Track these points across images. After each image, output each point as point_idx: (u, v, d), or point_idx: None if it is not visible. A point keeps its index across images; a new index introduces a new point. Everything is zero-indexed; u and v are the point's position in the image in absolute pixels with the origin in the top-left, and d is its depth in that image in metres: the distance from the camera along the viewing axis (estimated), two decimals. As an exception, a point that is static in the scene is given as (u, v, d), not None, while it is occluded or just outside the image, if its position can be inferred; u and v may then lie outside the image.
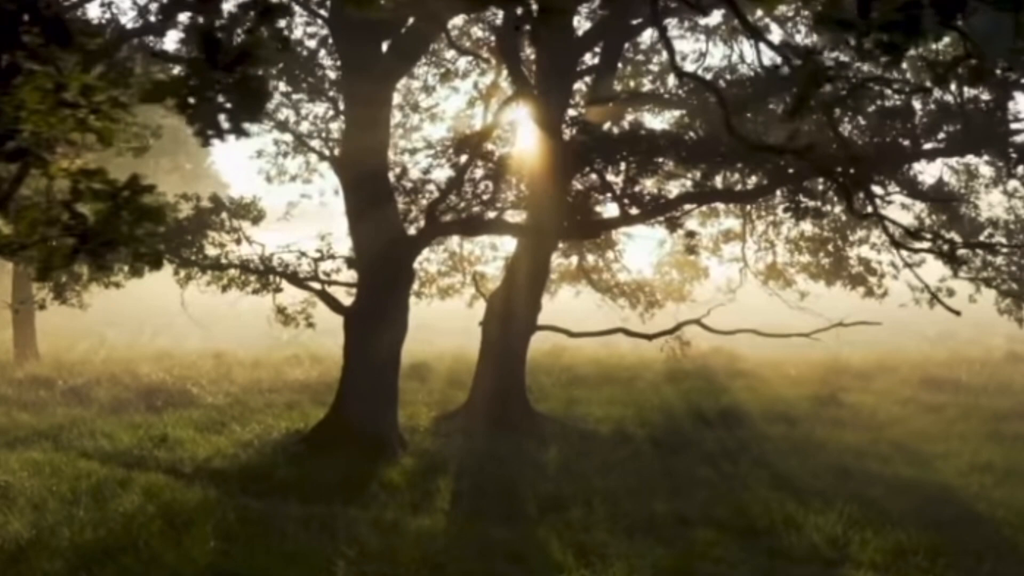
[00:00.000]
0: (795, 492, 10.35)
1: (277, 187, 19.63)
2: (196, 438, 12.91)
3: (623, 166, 10.88)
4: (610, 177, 11.16)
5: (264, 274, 13.22)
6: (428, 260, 20.42)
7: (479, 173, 13.08)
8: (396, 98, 19.13)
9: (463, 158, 11.99)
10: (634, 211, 11.13)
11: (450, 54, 18.87)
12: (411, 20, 11.33)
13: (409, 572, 7.51)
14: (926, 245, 12.08)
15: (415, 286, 20.37)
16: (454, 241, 19.69)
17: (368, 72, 11.80)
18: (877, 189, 11.22)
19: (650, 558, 8.02)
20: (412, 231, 12.85)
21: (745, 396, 17.24)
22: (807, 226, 18.04)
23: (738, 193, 12.43)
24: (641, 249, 21.88)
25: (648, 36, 17.96)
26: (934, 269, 17.07)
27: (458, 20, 17.95)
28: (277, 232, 16.87)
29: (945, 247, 11.84)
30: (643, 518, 9.38)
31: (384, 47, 12.00)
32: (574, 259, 20.39)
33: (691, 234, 12.43)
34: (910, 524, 9.22)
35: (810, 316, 18.99)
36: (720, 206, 18.03)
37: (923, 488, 10.75)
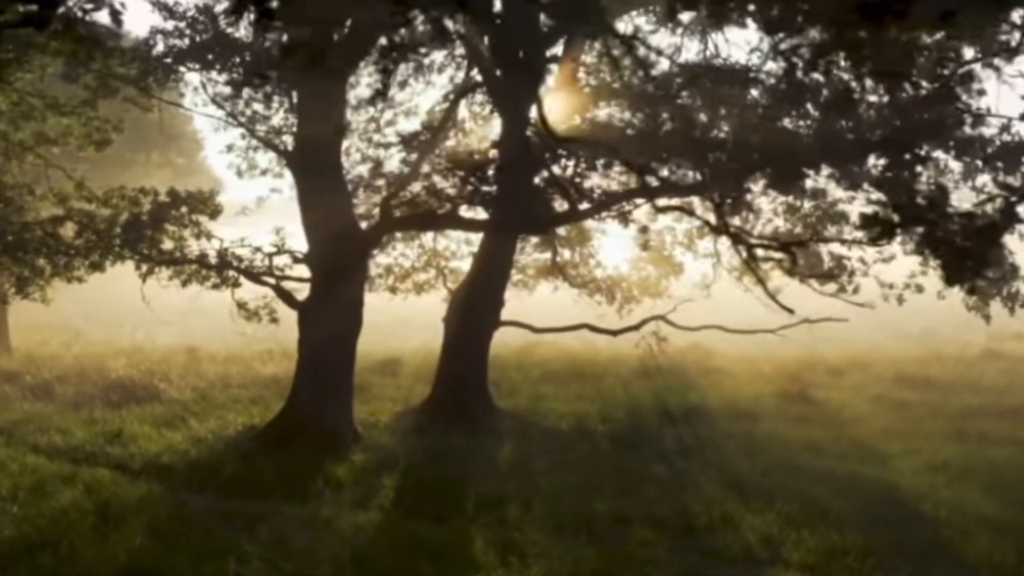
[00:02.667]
0: (741, 490, 10.27)
1: (248, 181, 19.57)
2: (151, 434, 12.86)
3: (571, 161, 10.80)
4: (556, 171, 11.08)
5: (220, 269, 13.14)
6: (404, 256, 20.40)
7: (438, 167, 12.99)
8: (367, 92, 19.12)
9: (414, 154, 11.91)
10: (584, 206, 11.05)
11: (423, 48, 18.80)
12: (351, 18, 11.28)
13: (325, 570, 7.45)
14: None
15: (389, 281, 20.42)
16: (428, 236, 19.63)
17: (321, 68, 11.69)
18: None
19: (574, 558, 7.95)
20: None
21: (714, 393, 17.13)
22: (780, 221, 17.93)
23: (680, 188, 12.32)
24: (616, 245, 21.73)
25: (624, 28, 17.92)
26: (904, 265, 16.98)
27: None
28: (246, 227, 16.81)
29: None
30: (581, 517, 9.31)
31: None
32: (550, 255, 20.29)
33: (644, 229, 12.35)
34: (850, 523, 9.16)
35: (784, 313, 18.90)
36: (696, 201, 17.92)
37: (872, 487, 10.66)
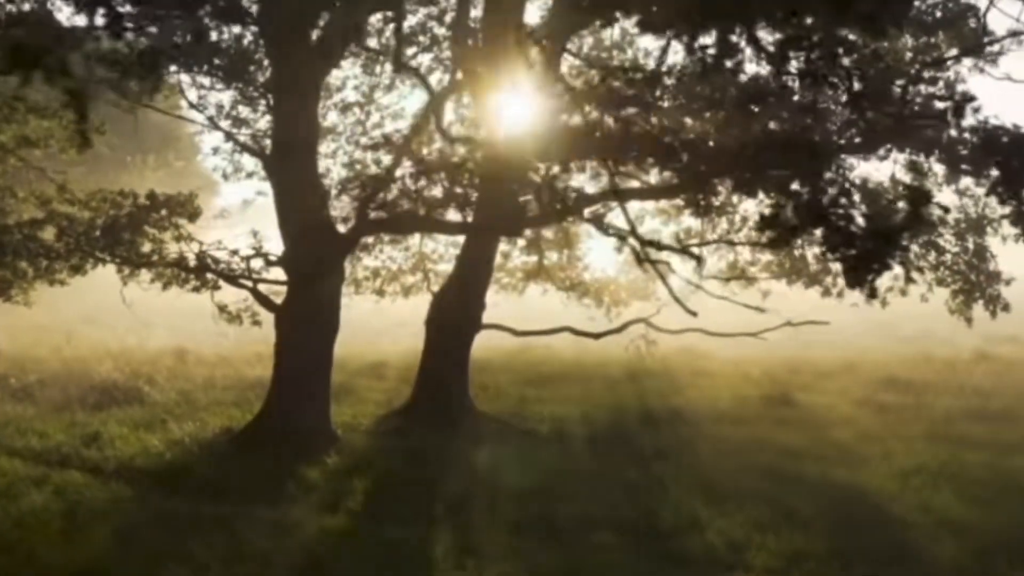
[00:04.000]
0: (712, 494, 10.20)
1: (236, 184, 19.59)
2: (128, 436, 12.86)
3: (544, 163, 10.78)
4: (531, 173, 11.06)
5: (198, 272, 13.16)
6: (391, 259, 20.43)
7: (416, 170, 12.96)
8: (354, 95, 19.15)
9: (389, 156, 11.92)
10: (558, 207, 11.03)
11: (411, 51, 18.84)
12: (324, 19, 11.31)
13: (278, 573, 7.44)
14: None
15: (376, 284, 20.44)
16: (416, 239, 19.65)
17: (294, 68, 11.74)
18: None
19: (532, 562, 7.92)
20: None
21: (699, 395, 17.10)
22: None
23: (650, 190, 12.29)
24: (604, 247, 21.72)
25: (610, 34, 17.93)
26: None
27: (420, 16, 17.98)
28: (233, 229, 16.83)
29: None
30: (548, 520, 9.28)
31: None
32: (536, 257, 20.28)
33: (621, 234, 12.29)
34: (818, 527, 9.12)
35: (772, 315, 18.86)
36: (681, 203, 17.88)
37: (843, 490, 10.60)
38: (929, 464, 11.56)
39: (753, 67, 6.91)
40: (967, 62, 15.63)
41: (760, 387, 17.92)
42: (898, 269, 12.58)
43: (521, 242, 19.03)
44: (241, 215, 17.44)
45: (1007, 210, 8.30)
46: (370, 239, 18.90)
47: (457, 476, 11.09)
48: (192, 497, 10.08)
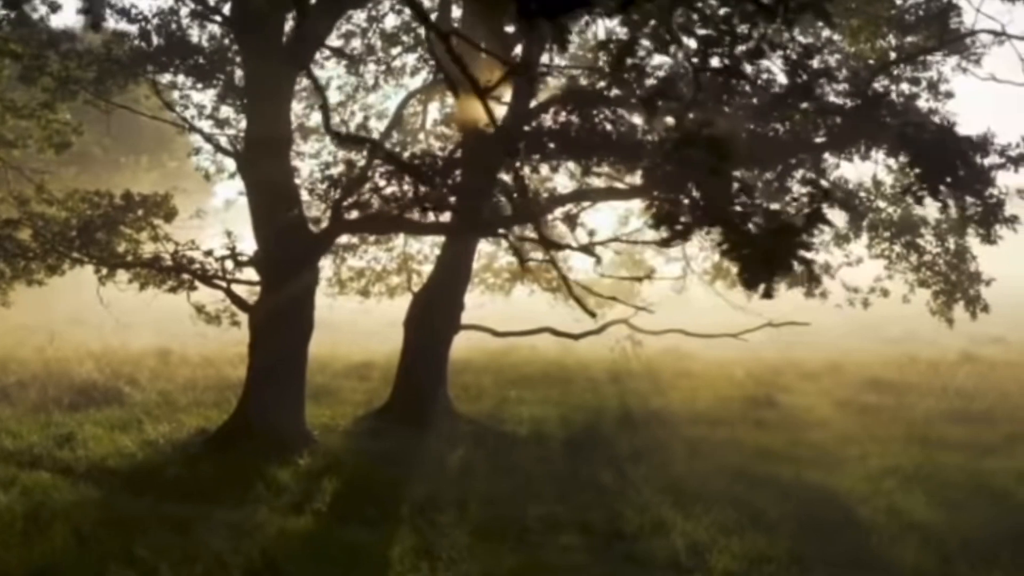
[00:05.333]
0: (681, 496, 10.15)
1: (219, 184, 19.57)
2: (102, 437, 12.82)
3: (517, 162, 10.74)
4: (503, 173, 11.03)
5: (173, 272, 13.13)
6: (376, 259, 20.41)
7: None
8: (337, 95, 19.13)
9: (361, 155, 11.88)
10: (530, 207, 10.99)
11: (395, 50, 18.83)
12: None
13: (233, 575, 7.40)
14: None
15: (359, 284, 20.41)
16: (400, 239, 19.63)
17: (266, 69, 11.71)
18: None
19: (490, 563, 7.88)
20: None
21: (681, 397, 17.05)
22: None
23: (618, 191, 12.25)
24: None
25: (594, 33, 17.90)
26: (871, 269, 16.92)
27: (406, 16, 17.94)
28: (207, 229, 16.81)
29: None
30: (514, 522, 9.23)
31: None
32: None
33: (591, 233, 12.30)
34: (784, 529, 9.06)
35: (754, 316, 18.82)
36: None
37: (815, 492, 10.55)
38: (903, 466, 11.51)
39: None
40: (951, 61, 15.64)
41: (743, 388, 17.89)
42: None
43: (504, 243, 19.00)
44: (224, 215, 17.42)
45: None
46: (355, 239, 18.93)
47: (428, 477, 11.04)
48: (158, 498, 10.04)
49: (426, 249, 20.60)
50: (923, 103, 14.85)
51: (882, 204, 15.10)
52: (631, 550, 8.56)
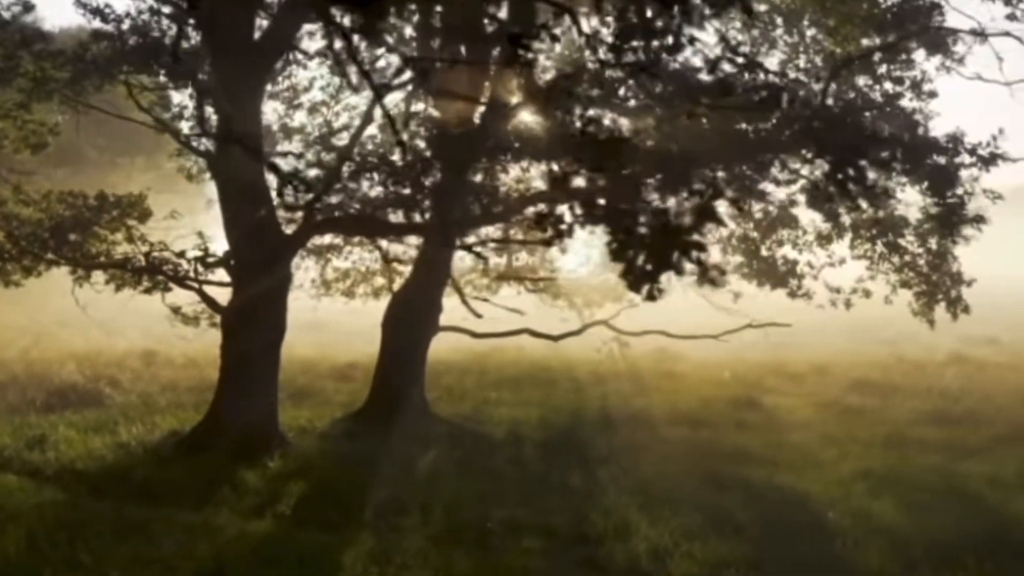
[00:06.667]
0: (650, 499, 10.03)
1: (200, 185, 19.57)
2: (75, 439, 12.73)
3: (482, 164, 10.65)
4: (471, 174, 10.93)
5: (147, 273, 13.05)
6: (361, 260, 20.31)
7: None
8: (320, 96, 19.02)
9: (332, 155, 11.80)
10: (497, 210, 10.89)
11: (380, 51, 18.72)
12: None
13: (178, 580, 7.31)
14: None
15: (344, 285, 20.33)
16: (384, 240, 19.52)
17: (236, 68, 11.63)
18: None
19: (444, 568, 7.78)
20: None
21: (663, 399, 16.93)
22: (732, 224, 17.80)
23: (582, 192, 12.11)
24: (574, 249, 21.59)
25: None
26: (853, 270, 16.79)
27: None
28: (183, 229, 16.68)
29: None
30: (477, 525, 9.12)
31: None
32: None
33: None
34: (749, 534, 8.95)
35: (741, 317, 18.72)
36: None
37: (786, 495, 10.43)
38: (876, 469, 11.38)
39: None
40: (935, 61, 15.52)
41: (727, 390, 17.77)
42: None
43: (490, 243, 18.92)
44: (206, 216, 17.34)
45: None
46: (338, 240, 18.84)
47: (396, 480, 10.93)
48: (122, 501, 9.93)
49: (412, 251, 20.53)
50: (907, 102, 14.79)
51: (863, 204, 14.93)
52: (592, 554, 8.45)
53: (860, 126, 9.33)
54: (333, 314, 23.56)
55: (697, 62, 8.31)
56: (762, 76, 10.16)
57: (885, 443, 13.14)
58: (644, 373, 19.64)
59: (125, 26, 13.49)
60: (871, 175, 8.44)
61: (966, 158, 10.46)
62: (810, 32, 16.48)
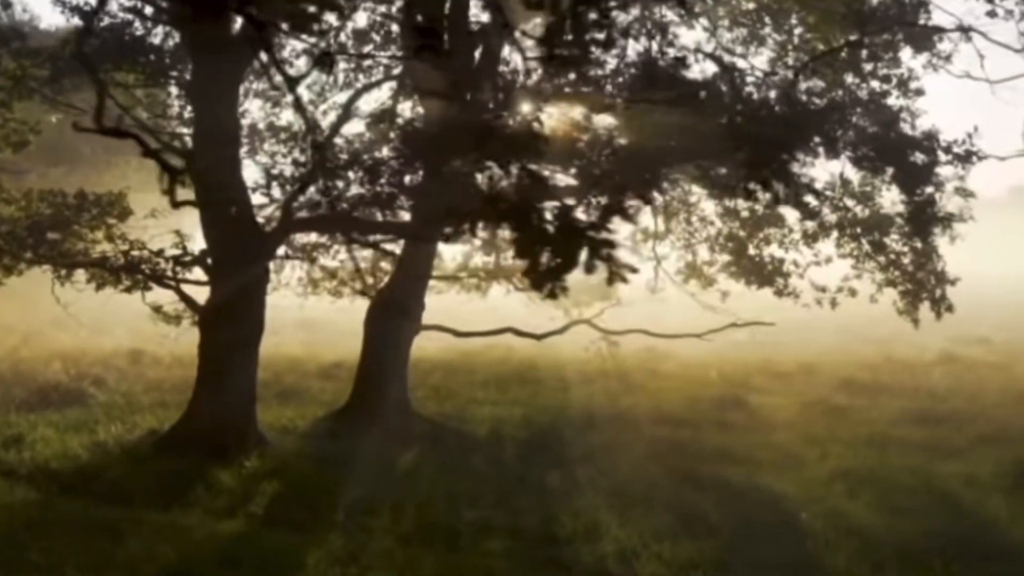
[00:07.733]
0: (624, 499, 9.98)
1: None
2: (52, 438, 12.67)
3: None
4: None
5: (126, 271, 13.01)
6: (348, 259, 20.21)
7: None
8: (307, 94, 18.95)
9: (308, 152, 11.75)
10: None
11: (367, 48, 18.69)
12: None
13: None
14: None
15: (332, 284, 20.23)
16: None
17: (214, 66, 11.58)
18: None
19: (409, 569, 7.73)
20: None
21: (649, 398, 16.86)
22: (719, 222, 17.77)
23: (558, 190, 12.07)
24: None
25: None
26: (840, 268, 16.70)
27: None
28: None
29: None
30: (448, 525, 9.07)
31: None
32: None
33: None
34: (720, 535, 8.88)
35: (730, 316, 18.63)
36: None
37: (762, 495, 10.37)
38: (855, 469, 11.31)
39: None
40: (921, 59, 15.45)
41: (714, 389, 17.70)
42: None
43: (477, 242, 18.84)
44: (191, 214, 17.24)
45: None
46: (324, 239, 18.75)
47: (372, 480, 10.86)
48: (93, 501, 9.91)
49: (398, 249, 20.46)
50: (893, 100, 14.72)
51: (850, 203, 14.90)
52: (558, 555, 8.39)
53: (783, 119, 9.22)
54: (323, 312, 23.46)
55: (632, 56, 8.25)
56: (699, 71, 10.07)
57: (867, 443, 13.07)
58: (631, 372, 19.56)
59: (103, 23, 13.46)
60: (793, 169, 8.36)
61: (942, 156, 10.39)
62: (798, 31, 16.43)
